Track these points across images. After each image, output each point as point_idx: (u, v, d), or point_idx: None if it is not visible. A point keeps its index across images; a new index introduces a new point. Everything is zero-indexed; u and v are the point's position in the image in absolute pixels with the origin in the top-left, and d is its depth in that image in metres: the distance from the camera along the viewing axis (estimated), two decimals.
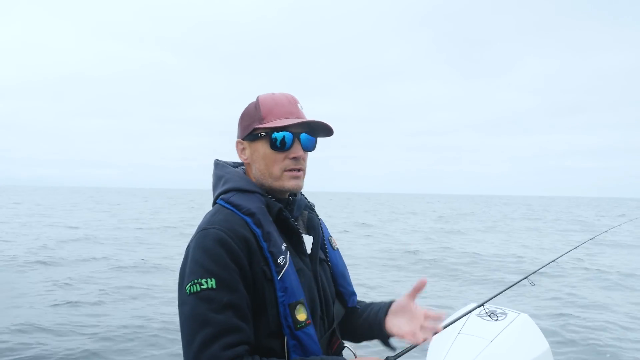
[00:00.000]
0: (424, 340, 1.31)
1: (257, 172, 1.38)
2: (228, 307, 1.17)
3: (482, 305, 2.35)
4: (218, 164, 1.46)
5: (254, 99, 1.40)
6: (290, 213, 1.39)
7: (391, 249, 15.35)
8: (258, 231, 1.27)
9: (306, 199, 1.52)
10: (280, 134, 1.32)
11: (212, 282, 1.17)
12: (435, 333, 1.32)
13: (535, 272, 2.59)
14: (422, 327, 1.32)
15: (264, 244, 1.27)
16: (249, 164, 1.41)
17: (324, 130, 1.40)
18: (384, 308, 1.44)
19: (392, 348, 1.46)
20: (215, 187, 1.43)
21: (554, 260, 2.97)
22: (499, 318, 2.62)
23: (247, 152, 1.39)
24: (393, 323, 1.39)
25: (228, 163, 1.49)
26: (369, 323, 1.46)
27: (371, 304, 1.54)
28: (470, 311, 2.33)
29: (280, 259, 1.27)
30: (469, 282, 10.27)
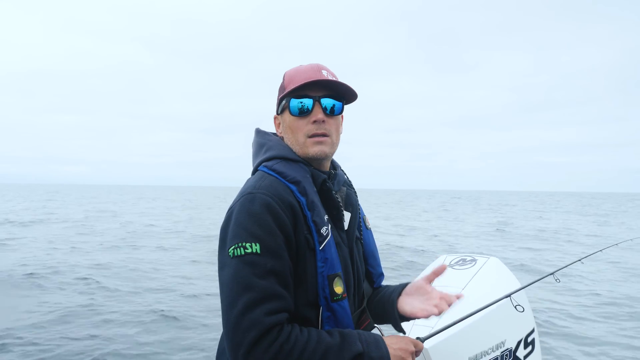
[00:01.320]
0: (440, 311, 1.30)
1: (288, 142, 1.39)
2: (271, 273, 1.16)
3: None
4: (260, 132, 1.46)
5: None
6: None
7: None
8: (303, 199, 1.27)
9: (346, 174, 1.51)
10: (298, 99, 1.33)
11: (256, 247, 1.16)
12: (465, 318, 1.37)
13: (562, 268, 2.54)
14: (436, 307, 1.31)
15: (308, 213, 1.27)
16: (282, 137, 1.43)
17: (347, 93, 1.38)
18: (399, 289, 1.45)
19: (403, 332, 1.47)
20: (256, 154, 1.43)
21: (579, 260, 2.88)
22: (469, 265, 2.62)
23: (281, 125, 1.42)
24: (406, 302, 1.39)
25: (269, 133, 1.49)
26: (383, 303, 1.46)
27: (387, 286, 1.54)
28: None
29: (324, 230, 1.28)
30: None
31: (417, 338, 1.34)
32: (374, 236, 1.61)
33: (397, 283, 1.52)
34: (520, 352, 2.43)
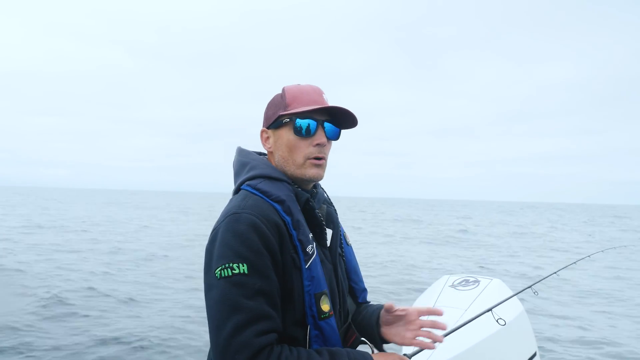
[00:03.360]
0: (437, 342, 1.30)
1: (280, 159, 1.38)
2: (260, 293, 1.16)
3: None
4: (242, 151, 1.46)
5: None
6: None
7: None
8: (288, 218, 1.27)
9: (325, 192, 1.52)
10: (304, 120, 1.33)
11: (244, 267, 1.16)
12: (447, 334, 1.37)
13: (537, 282, 2.56)
14: (421, 328, 1.32)
15: (294, 232, 1.27)
16: (271, 152, 1.42)
17: (348, 121, 1.40)
18: (374, 317, 1.44)
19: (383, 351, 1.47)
20: (238, 173, 1.42)
21: (555, 272, 2.93)
22: (472, 286, 2.61)
23: (271, 140, 1.41)
24: (392, 334, 1.39)
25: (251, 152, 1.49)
26: (364, 327, 1.46)
27: (368, 305, 1.55)
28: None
29: (309, 248, 1.28)
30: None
31: (404, 354, 1.42)
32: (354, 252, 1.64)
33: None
34: None
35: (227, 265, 1.16)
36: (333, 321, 1.29)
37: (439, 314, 1.34)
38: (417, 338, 1.32)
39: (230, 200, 1.34)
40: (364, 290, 1.56)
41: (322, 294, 1.27)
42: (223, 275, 1.15)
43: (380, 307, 1.44)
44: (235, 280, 1.14)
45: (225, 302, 1.13)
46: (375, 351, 1.39)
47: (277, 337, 1.17)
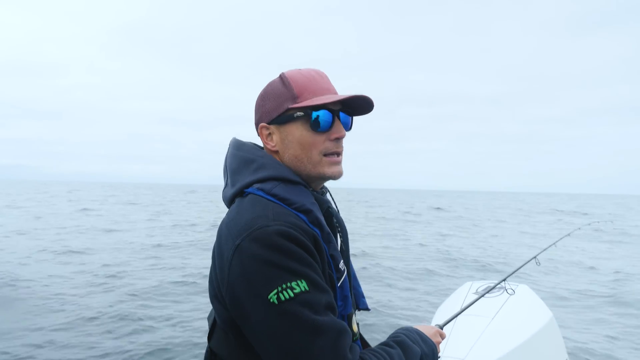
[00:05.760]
0: None
1: (292, 158, 1.17)
2: (328, 307, 1.00)
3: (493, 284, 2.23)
4: (242, 145, 1.23)
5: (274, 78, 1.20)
6: None
7: None
8: (317, 231, 1.09)
9: (329, 191, 1.33)
10: (321, 112, 1.14)
11: (303, 284, 0.97)
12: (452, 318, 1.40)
13: (540, 253, 2.45)
14: None
15: (325, 246, 1.10)
16: (277, 151, 1.19)
17: (362, 107, 1.22)
18: None
19: None
20: (239, 171, 1.18)
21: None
22: (497, 293, 2.51)
23: (276, 137, 1.18)
24: None
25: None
26: None
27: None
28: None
29: (341, 264, 1.15)
30: None
31: (437, 324, 1.44)
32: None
33: None
34: None
35: (284, 285, 0.96)
36: (359, 343, 1.20)
37: None
38: None
39: (239, 206, 1.11)
40: (363, 296, 1.42)
41: (352, 314, 1.16)
42: (283, 298, 0.95)
43: None
44: (301, 300, 0.96)
45: (301, 327, 0.95)
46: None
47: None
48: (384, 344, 1.15)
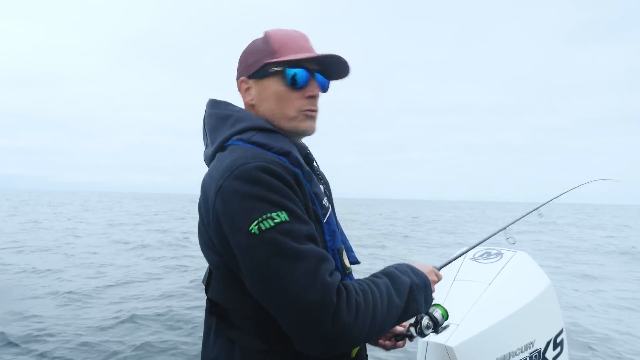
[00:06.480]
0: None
1: (267, 112, 1.21)
2: (308, 238, 1.02)
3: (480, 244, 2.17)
4: (218, 103, 1.25)
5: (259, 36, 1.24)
6: None
7: None
8: (298, 170, 1.11)
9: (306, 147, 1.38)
10: (297, 70, 1.18)
11: (283, 215, 0.99)
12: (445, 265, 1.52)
13: (543, 205, 2.38)
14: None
15: (307, 184, 1.13)
16: (253, 105, 1.23)
17: (339, 72, 1.25)
18: None
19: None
20: (217, 129, 1.20)
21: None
22: (495, 259, 2.44)
23: (253, 91, 1.22)
24: None
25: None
26: None
27: None
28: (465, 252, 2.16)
29: (325, 201, 1.18)
30: None
31: (434, 266, 1.38)
32: None
33: None
34: (550, 354, 2.26)
35: (264, 216, 0.98)
36: (353, 277, 1.20)
37: None
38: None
39: (219, 158, 1.12)
40: (352, 250, 1.38)
41: (342, 249, 1.18)
42: (264, 227, 0.97)
43: None
44: (281, 229, 0.98)
45: (282, 255, 0.97)
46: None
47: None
48: (374, 275, 1.16)
